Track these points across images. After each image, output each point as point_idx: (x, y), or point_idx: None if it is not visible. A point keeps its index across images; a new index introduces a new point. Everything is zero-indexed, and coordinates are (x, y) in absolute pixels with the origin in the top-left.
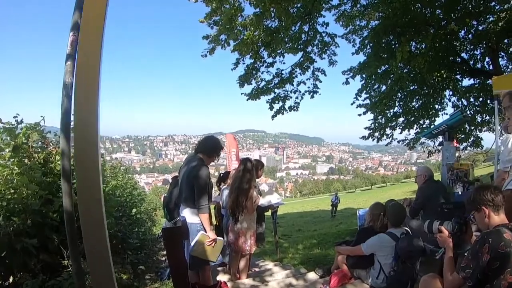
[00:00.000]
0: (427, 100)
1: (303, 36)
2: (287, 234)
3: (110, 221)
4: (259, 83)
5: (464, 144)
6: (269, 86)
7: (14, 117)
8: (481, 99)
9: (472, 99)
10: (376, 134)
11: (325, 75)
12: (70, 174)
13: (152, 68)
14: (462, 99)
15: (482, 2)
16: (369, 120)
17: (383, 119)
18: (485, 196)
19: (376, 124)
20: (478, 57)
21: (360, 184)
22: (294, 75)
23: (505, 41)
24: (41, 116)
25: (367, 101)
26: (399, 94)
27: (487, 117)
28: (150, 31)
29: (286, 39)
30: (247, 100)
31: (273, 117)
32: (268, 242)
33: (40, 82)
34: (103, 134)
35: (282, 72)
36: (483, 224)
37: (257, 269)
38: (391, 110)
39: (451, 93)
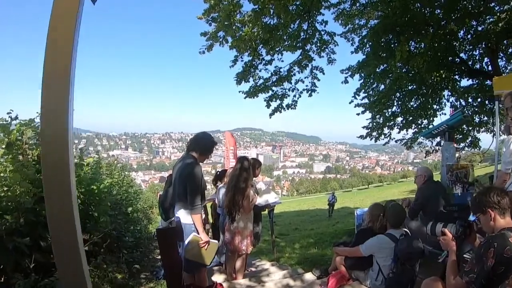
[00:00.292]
0: (426, 100)
1: (302, 34)
2: (284, 233)
3: (104, 220)
4: (257, 80)
5: (462, 144)
6: (267, 84)
7: (8, 113)
8: (479, 99)
9: (470, 100)
10: (374, 133)
11: (324, 73)
12: None
13: (150, 65)
14: (461, 100)
15: (482, 2)
16: (367, 119)
17: (381, 119)
18: (491, 198)
19: (374, 124)
20: (477, 58)
21: (357, 183)
22: (292, 73)
23: (504, 42)
24: (37, 113)
25: (366, 100)
26: (397, 93)
27: (485, 118)
28: (148, 28)
29: (285, 37)
30: (245, 98)
31: (271, 115)
32: (264, 241)
33: (38, 78)
34: (100, 131)
35: (280, 70)
36: (488, 227)
37: (253, 269)
38: (389, 110)
39: (449, 93)
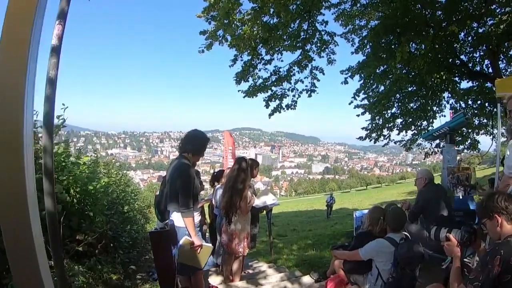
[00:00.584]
0: (425, 101)
1: (302, 34)
2: (281, 234)
3: (100, 219)
4: (256, 80)
5: (461, 146)
6: (266, 83)
7: None
8: (479, 102)
9: (470, 102)
10: (374, 134)
11: (323, 73)
12: (52, 172)
13: (149, 64)
14: (460, 102)
15: (483, 4)
16: (366, 120)
17: (381, 120)
18: (499, 204)
19: (374, 125)
20: (477, 60)
21: (355, 184)
22: (292, 73)
23: (505, 44)
24: (34, 110)
25: (365, 101)
26: (397, 95)
27: (485, 120)
28: (148, 27)
29: (285, 37)
30: (244, 97)
31: (270, 115)
32: (262, 242)
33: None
34: (99, 130)
35: (280, 69)
36: (495, 233)
37: (250, 271)
38: (389, 111)
39: (449, 95)
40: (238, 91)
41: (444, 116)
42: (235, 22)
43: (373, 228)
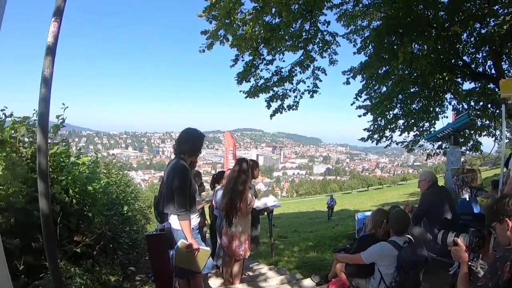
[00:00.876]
0: (428, 102)
1: (303, 34)
2: (283, 235)
3: (99, 220)
4: (258, 80)
5: (464, 148)
6: (268, 84)
7: (2, 110)
8: (481, 103)
9: (472, 103)
10: (376, 136)
11: (326, 74)
12: (47, 172)
13: (150, 64)
14: (463, 103)
15: (486, 5)
16: (368, 121)
17: (383, 121)
18: (510, 207)
19: (376, 126)
20: (480, 61)
21: (356, 185)
22: (293, 74)
23: (509, 45)
24: (34, 110)
25: (367, 102)
26: (400, 95)
27: (487, 122)
28: (149, 27)
29: (287, 37)
30: (245, 98)
31: (271, 116)
32: (263, 243)
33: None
34: (101, 130)
35: (282, 70)
36: (505, 237)
37: (251, 273)
38: (391, 112)
39: (451, 96)
40: (240, 91)
41: (447, 117)
42: (236, 22)
43: (376, 231)
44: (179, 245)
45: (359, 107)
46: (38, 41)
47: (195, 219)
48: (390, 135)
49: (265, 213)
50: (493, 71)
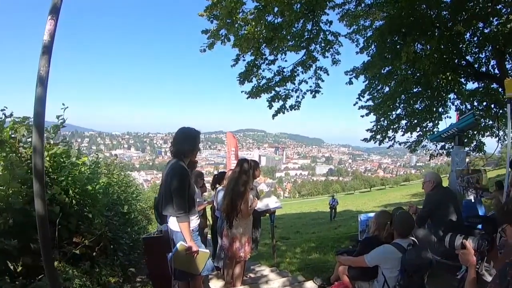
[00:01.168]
0: (431, 102)
1: (306, 33)
2: (285, 236)
3: (99, 221)
4: (259, 80)
5: (467, 148)
6: (270, 84)
7: (1, 110)
8: (485, 103)
9: (475, 103)
10: (378, 136)
11: (328, 74)
12: (43, 173)
13: (153, 65)
14: (466, 103)
15: (489, 4)
16: (371, 122)
17: (386, 121)
18: None
19: (378, 126)
20: (483, 60)
21: (359, 186)
22: (296, 74)
23: None
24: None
25: (370, 102)
26: (402, 96)
27: (490, 122)
28: (150, 27)
29: (289, 36)
30: (247, 98)
31: (274, 116)
32: (265, 244)
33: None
34: (103, 130)
35: (284, 70)
36: None
37: (252, 275)
38: (394, 112)
39: (454, 96)
40: (242, 91)
41: (450, 117)
42: (238, 22)
43: (380, 233)
44: (178, 248)
45: (362, 107)
46: (38, 41)
47: (194, 221)
48: (393, 135)
49: (267, 214)
50: (496, 71)
